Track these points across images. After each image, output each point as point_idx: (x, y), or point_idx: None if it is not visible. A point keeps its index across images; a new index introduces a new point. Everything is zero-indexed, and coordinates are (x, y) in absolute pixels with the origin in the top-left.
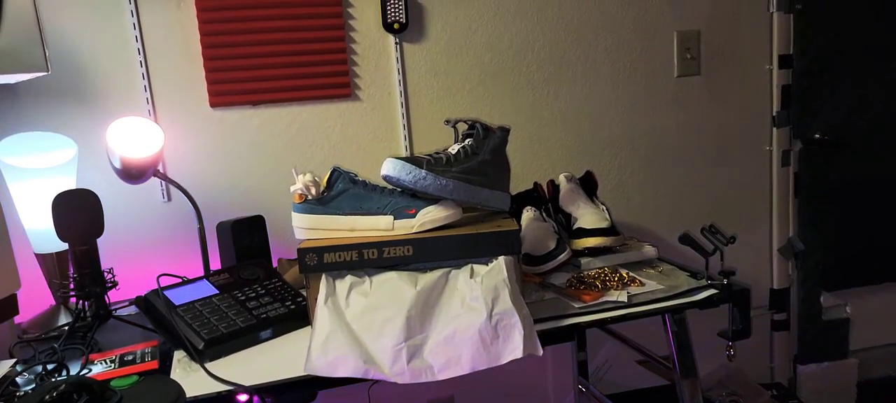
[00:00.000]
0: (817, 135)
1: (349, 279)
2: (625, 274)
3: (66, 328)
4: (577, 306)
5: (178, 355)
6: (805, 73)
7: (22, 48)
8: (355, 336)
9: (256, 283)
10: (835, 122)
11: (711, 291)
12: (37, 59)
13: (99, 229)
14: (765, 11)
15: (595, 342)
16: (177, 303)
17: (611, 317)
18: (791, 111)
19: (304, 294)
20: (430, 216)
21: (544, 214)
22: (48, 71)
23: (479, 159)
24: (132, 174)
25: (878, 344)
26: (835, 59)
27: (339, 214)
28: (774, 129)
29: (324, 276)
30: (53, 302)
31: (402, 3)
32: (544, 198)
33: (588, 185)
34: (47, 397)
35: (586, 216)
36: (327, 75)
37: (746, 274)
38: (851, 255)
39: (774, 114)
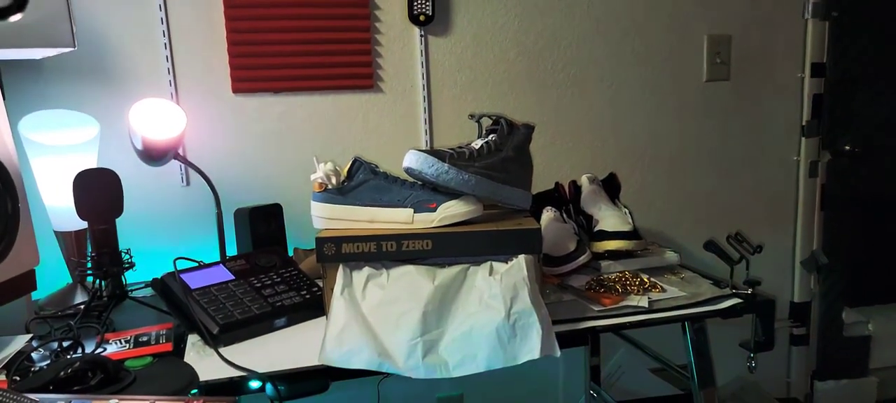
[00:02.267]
0: (847, 147)
1: (366, 271)
2: (646, 279)
3: (83, 306)
4: (596, 309)
5: (192, 338)
6: (838, 83)
7: (49, 23)
8: (371, 328)
9: (272, 271)
10: (866, 134)
11: (735, 300)
12: (64, 34)
13: (119, 209)
14: (799, 18)
15: (608, 347)
16: (192, 287)
17: (631, 322)
18: (821, 121)
19: (320, 284)
20: (451, 211)
21: (565, 215)
22: (75, 47)
23: (503, 155)
24: (153, 156)
25: None
26: (869, 69)
27: (358, 205)
28: (803, 139)
29: (341, 267)
30: (70, 280)
31: None
32: (565, 198)
33: (611, 188)
34: (62, 373)
35: (608, 218)
36: (351, 65)
37: (767, 286)
38: (876, 271)
39: (804, 123)
